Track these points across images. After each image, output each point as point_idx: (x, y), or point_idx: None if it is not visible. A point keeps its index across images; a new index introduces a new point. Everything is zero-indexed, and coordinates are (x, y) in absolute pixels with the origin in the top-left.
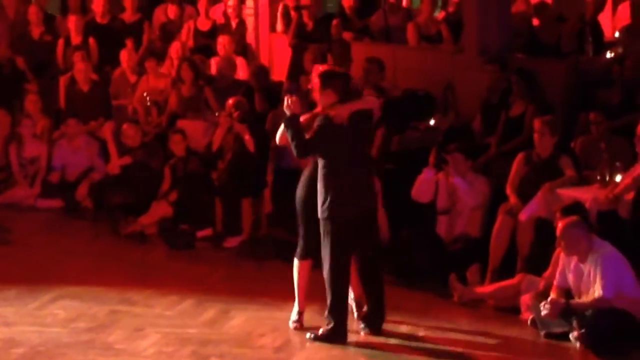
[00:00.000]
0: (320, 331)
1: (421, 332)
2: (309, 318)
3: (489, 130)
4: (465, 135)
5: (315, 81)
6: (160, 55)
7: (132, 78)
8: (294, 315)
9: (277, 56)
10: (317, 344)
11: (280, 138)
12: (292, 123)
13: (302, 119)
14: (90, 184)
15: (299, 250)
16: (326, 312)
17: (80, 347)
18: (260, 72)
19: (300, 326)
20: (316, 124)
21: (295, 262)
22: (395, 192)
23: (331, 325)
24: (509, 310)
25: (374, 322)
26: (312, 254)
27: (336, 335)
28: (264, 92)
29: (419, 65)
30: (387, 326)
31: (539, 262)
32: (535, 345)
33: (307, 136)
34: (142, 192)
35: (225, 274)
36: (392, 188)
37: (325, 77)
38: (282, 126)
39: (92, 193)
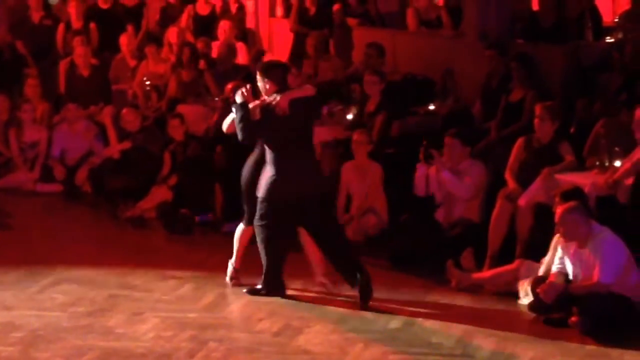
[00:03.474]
0: (258, 286)
1: (419, 318)
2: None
3: (488, 115)
4: (465, 120)
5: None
6: (159, 40)
7: (132, 62)
8: (230, 272)
9: (277, 41)
10: (316, 328)
11: (229, 126)
12: (242, 109)
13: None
14: (89, 168)
15: (246, 218)
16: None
17: (79, 332)
18: (261, 57)
19: (238, 283)
20: (258, 112)
21: (241, 226)
22: (394, 176)
23: (264, 282)
24: (508, 295)
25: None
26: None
27: (271, 288)
28: None
29: (419, 51)
30: (385, 311)
31: (538, 247)
32: (534, 331)
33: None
34: (142, 177)
35: (225, 259)
36: (391, 173)
37: (264, 68)
38: (231, 114)
39: (92, 177)
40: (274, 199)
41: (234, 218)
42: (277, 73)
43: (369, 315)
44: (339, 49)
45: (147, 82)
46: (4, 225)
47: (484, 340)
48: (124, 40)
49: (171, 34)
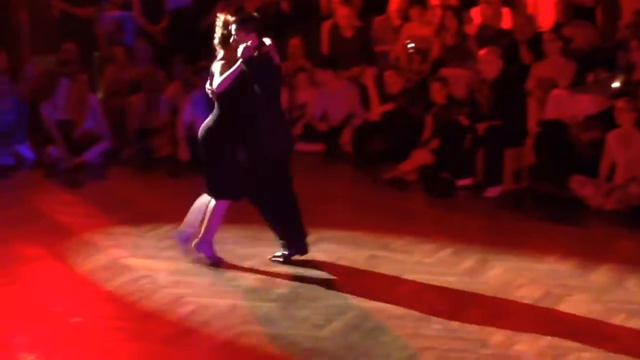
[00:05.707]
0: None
1: None
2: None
3: None
4: None
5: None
6: (425, 3)
7: (397, 22)
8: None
9: (543, 5)
10: (577, 296)
11: (220, 85)
12: (253, 64)
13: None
14: (352, 129)
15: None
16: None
17: (339, 291)
18: (525, 23)
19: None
20: (262, 64)
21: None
22: None
23: (286, 246)
24: None
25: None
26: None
27: (296, 249)
28: (529, 43)
29: None
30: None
31: None
32: None
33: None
34: (402, 139)
35: (484, 224)
36: None
37: (243, 22)
38: (222, 74)
39: (354, 138)
40: (272, 154)
41: (496, 182)
42: (257, 25)
43: (632, 286)
44: (606, 15)
45: (411, 45)
46: None
47: None
48: None
49: None
